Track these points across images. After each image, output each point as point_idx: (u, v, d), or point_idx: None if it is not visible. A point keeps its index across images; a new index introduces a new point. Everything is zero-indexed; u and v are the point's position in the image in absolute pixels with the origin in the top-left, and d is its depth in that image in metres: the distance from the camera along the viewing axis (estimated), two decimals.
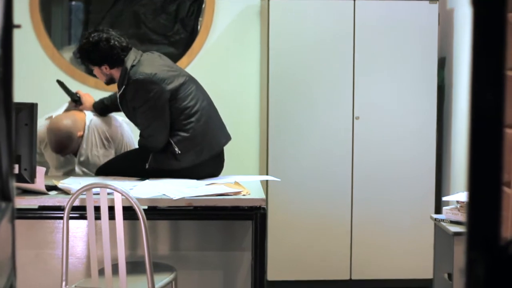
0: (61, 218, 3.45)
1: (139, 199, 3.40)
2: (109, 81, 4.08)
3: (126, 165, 4.08)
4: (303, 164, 5.00)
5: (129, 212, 3.34)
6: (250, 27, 5.46)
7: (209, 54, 5.48)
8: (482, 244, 1.08)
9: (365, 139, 5.01)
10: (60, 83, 4.32)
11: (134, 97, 3.93)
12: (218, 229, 3.95)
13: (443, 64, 5.26)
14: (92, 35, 3.99)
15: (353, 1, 4.96)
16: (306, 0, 4.94)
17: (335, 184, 5.02)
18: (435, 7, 4.97)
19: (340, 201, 5.02)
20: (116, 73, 4.01)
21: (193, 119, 4.00)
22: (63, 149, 4.16)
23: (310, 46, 4.97)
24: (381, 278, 5.08)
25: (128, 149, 4.29)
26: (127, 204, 3.32)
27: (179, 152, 3.95)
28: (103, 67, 4.01)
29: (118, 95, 4.00)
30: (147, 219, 3.35)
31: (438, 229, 3.71)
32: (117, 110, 4.21)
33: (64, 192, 3.65)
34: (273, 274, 5.03)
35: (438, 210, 5.00)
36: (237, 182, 3.93)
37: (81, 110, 4.29)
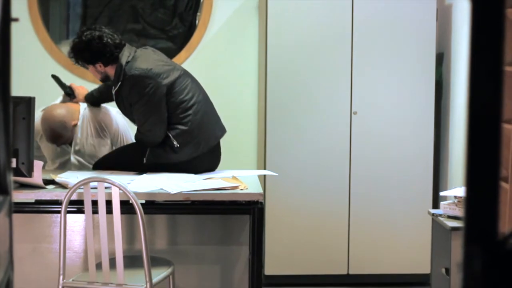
0: (59, 212, 3.45)
1: (136, 193, 3.40)
2: (104, 78, 4.09)
3: (123, 159, 4.09)
4: (300, 159, 5.00)
5: (126, 206, 3.35)
6: (248, 21, 5.46)
7: (207, 49, 5.48)
8: (480, 238, 1.08)
9: (363, 135, 5.01)
10: (55, 77, 4.36)
11: (131, 93, 3.93)
12: (216, 224, 3.95)
13: (441, 60, 5.26)
14: (85, 33, 3.98)
15: None
16: None
17: (333, 179, 5.02)
18: (433, 2, 4.97)
19: (337, 196, 5.02)
20: (110, 70, 4.02)
21: (190, 112, 4.00)
22: (57, 138, 4.18)
23: (308, 41, 4.97)
24: (378, 273, 5.08)
25: (124, 138, 4.31)
26: (124, 198, 3.32)
27: (178, 145, 3.96)
28: (97, 65, 4.01)
29: (113, 92, 4.00)
30: (145, 213, 3.36)
31: (436, 224, 3.72)
32: (107, 101, 4.29)
33: (62, 186, 3.65)
34: (270, 268, 5.03)
35: (435, 205, 5.01)
36: (235, 177, 3.93)
37: (76, 103, 4.33)
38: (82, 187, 3.33)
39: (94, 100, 4.33)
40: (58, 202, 3.59)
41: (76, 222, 3.91)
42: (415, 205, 5.04)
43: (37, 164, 3.47)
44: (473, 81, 1.08)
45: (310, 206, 5.01)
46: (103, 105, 4.37)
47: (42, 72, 5.28)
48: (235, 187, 3.69)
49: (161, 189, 3.60)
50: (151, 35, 5.52)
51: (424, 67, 5.00)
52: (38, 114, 4.16)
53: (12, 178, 1.55)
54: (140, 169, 3.99)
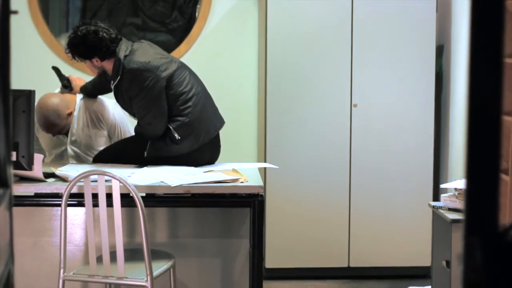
0: (59, 205, 3.45)
1: (137, 186, 3.40)
2: (102, 74, 4.08)
3: (124, 152, 4.09)
4: (301, 151, 5.00)
5: (127, 199, 3.35)
6: (248, 14, 5.45)
7: (207, 42, 5.47)
8: (480, 230, 1.08)
9: (363, 127, 5.01)
10: (55, 69, 4.37)
11: (130, 87, 3.92)
12: (216, 216, 3.96)
13: (441, 52, 5.25)
14: (80, 28, 3.97)
15: None
16: None
17: (333, 171, 5.02)
18: None
19: (338, 188, 5.02)
20: (107, 65, 4.01)
21: (190, 103, 4.00)
22: (51, 127, 4.19)
23: (308, 33, 4.96)
24: (379, 265, 5.09)
25: (121, 131, 4.31)
26: (125, 191, 3.32)
27: (179, 138, 3.96)
28: (93, 60, 4.00)
29: (112, 87, 4.00)
30: (145, 206, 3.36)
31: (436, 217, 3.72)
32: (101, 93, 4.31)
33: (62, 179, 3.65)
34: (271, 261, 5.04)
35: (436, 198, 5.01)
36: (235, 169, 3.94)
37: (74, 94, 4.34)
38: (82, 180, 3.33)
39: (89, 92, 4.34)
40: (58, 195, 3.59)
41: (76, 215, 3.91)
42: (415, 198, 5.04)
43: (37, 158, 3.47)
44: (473, 73, 1.07)
45: (311, 198, 5.01)
46: (100, 96, 4.37)
47: (42, 65, 5.27)
48: (236, 180, 3.70)
49: (162, 182, 3.60)
50: (150, 28, 5.51)
51: (424, 59, 5.00)
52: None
53: (12, 171, 1.55)
54: (141, 162, 3.99)
